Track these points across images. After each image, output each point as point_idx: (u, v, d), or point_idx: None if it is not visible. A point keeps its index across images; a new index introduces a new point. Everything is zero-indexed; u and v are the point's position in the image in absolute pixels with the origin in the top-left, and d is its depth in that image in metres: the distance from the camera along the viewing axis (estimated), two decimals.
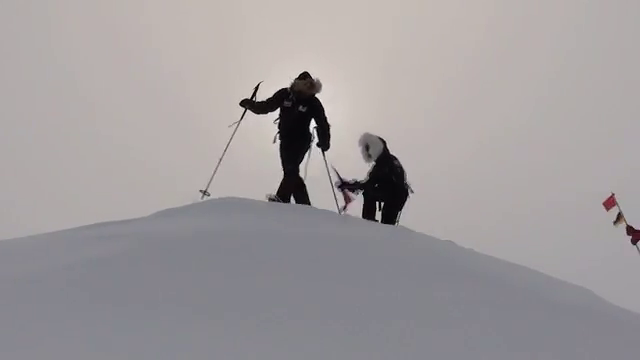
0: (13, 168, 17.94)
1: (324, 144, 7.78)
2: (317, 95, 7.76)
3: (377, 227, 5.65)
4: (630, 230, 8.51)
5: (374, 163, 7.90)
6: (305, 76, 7.85)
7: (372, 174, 7.85)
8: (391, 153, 7.97)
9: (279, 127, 7.75)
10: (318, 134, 7.79)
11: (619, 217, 8.69)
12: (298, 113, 7.74)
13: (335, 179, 7.89)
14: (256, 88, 7.90)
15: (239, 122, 7.79)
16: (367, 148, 7.96)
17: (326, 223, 5.39)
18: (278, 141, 7.66)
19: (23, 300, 3.12)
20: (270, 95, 7.82)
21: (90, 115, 18.26)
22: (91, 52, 18.53)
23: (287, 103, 7.74)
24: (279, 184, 7.47)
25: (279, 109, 7.78)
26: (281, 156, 7.64)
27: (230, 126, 7.74)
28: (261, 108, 7.84)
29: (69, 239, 4.51)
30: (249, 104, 7.80)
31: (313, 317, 3.17)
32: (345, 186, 7.90)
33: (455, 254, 5.27)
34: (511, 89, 19.09)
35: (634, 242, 8.45)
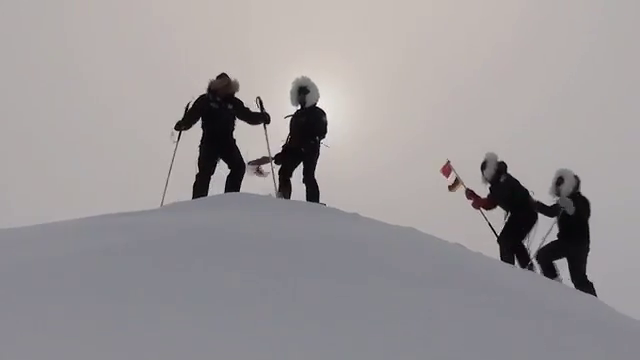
0: (32, 158, 18.06)
1: (264, 117, 7.77)
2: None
3: (384, 228, 5.62)
4: (470, 193, 8.46)
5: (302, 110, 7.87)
6: (222, 75, 7.81)
7: (310, 124, 7.81)
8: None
9: (209, 132, 7.59)
10: (250, 117, 7.75)
11: (456, 182, 8.66)
12: (229, 112, 7.68)
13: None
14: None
15: (177, 143, 7.68)
16: (304, 91, 7.90)
17: (331, 222, 5.37)
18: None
19: (17, 288, 3.11)
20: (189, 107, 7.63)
21: (106, 109, 18.35)
22: (102, 46, 18.59)
23: (214, 105, 7.62)
24: (233, 182, 7.45)
25: (205, 115, 7.61)
26: (233, 158, 7.53)
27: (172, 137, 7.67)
28: (190, 120, 7.68)
29: (72, 229, 4.52)
30: (182, 125, 7.65)
31: (316, 317, 3.15)
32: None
33: (463, 258, 5.24)
34: (527, 91, 18.93)
35: (476, 207, 8.39)
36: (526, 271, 5.65)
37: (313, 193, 7.70)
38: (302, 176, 7.85)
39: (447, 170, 8.83)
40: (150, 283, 3.33)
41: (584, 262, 7.73)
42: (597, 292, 7.24)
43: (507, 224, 8.14)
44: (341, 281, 3.68)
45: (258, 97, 7.86)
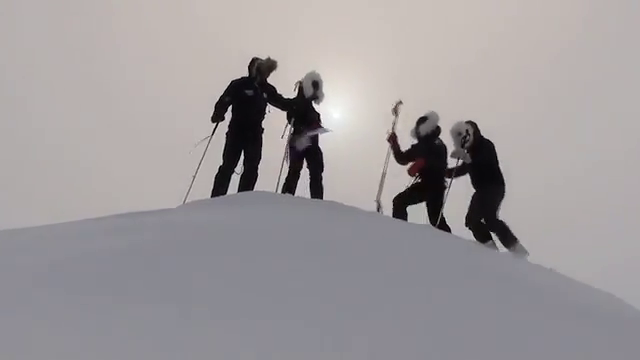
0: (55, 155, 18.26)
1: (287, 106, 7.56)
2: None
3: (402, 225, 5.66)
4: (392, 137, 8.07)
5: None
6: (258, 58, 7.60)
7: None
8: None
9: (238, 119, 7.36)
10: (284, 104, 7.55)
11: (394, 125, 8.21)
12: (263, 100, 7.47)
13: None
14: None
15: (211, 137, 7.52)
16: (317, 86, 7.74)
17: (350, 220, 5.38)
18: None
19: (23, 292, 3.06)
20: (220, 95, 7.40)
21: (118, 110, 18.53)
22: (114, 42, 18.70)
23: (249, 92, 7.40)
24: (246, 183, 7.26)
25: (238, 101, 7.39)
26: (253, 153, 7.31)
27: (198, 144, 7.48)
28: (223, 111, 7.46)
29: (90, 228, 4.51)
30: (218, 118, 7.46)
31: (331, 315, 3.15)
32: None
33: (480, 255, 5.26)
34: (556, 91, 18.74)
35: (412, 174, 7.86)
36: (544, 267, 5.63)
37: (321, 193, 7.58)
38: (312, 173, 7.65)
39: (395, 110, 8.37)
40: (177, 282, 3.31)
41: (496, 203, 7.45)
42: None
43: (427, 199, 7.83)
44: (354, 279, 3.68)
45: (300, 81, 7.68)
